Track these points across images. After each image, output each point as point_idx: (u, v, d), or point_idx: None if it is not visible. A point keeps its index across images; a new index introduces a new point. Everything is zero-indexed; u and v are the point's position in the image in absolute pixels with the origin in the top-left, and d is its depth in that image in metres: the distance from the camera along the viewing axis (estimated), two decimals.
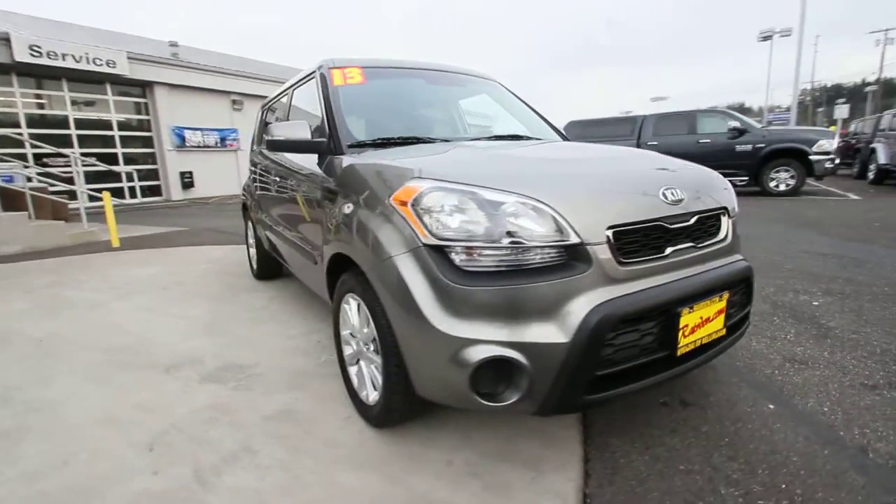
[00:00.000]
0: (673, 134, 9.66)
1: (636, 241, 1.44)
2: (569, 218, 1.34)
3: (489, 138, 2.37)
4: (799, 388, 2.00)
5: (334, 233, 1.86)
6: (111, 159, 13.65)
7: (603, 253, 1.36)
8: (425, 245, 1.39)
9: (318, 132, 2.22)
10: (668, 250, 1.51)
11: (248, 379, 2.23)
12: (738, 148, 8.92)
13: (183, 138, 15.93)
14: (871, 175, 10.30)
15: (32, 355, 2.58)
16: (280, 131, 2.19)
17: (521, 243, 1.32)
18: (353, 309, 1.83)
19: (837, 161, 9.15)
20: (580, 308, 1.31)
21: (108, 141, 14.22)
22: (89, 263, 4.96)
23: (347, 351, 1.97)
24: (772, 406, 1.86)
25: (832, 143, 8.46)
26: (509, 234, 1.33)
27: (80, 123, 13.58)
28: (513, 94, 3.02)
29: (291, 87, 3.00)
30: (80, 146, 13.24)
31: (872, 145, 10.34)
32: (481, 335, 1.30)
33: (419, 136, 2.16)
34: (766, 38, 24.39)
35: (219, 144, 17.27)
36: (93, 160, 9.58)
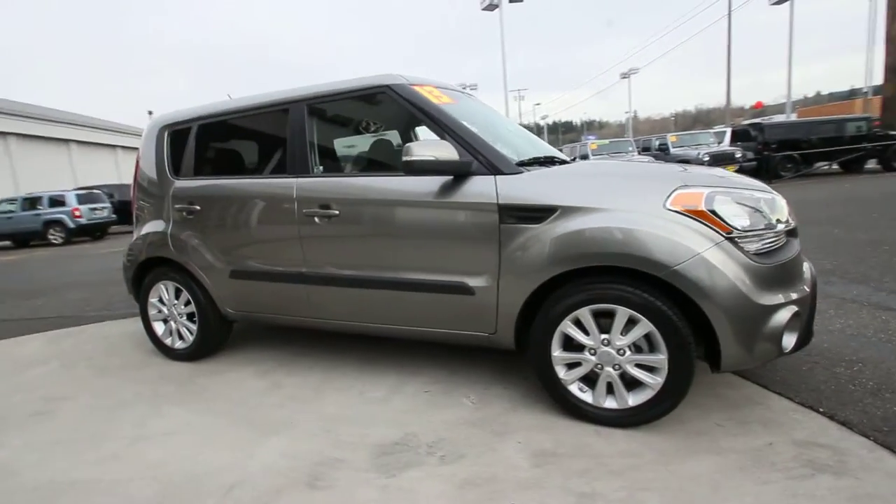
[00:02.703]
0: None
1: None
2: None
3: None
4: None
5: (556, 250, 1.83)
6: None
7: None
8: (727, 238, 1.69)
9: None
10: None
11: (437, 448, 1.85)
12: None
13: None
14: None
15: None
16: (424, 151, 1.94)
17: (786, 227, 1.79)
18: (589, 324, 1.85)
19: None
20: (806, 268, 1.88)
21: None
22: None
23: (562, 372, 1.95)
24: None
25: None
26: (777, 220, 1.77)
27: None
28: None
29: (291, 102, 2.45)
30: None
31: None
32: (784, 299, 1.71)
33: (551, 157, 2.29)
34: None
35: None
36: None
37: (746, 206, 1.76)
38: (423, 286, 2.15)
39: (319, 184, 2.37)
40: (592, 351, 1.88)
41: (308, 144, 2.43)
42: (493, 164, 2.02)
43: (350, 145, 2.49)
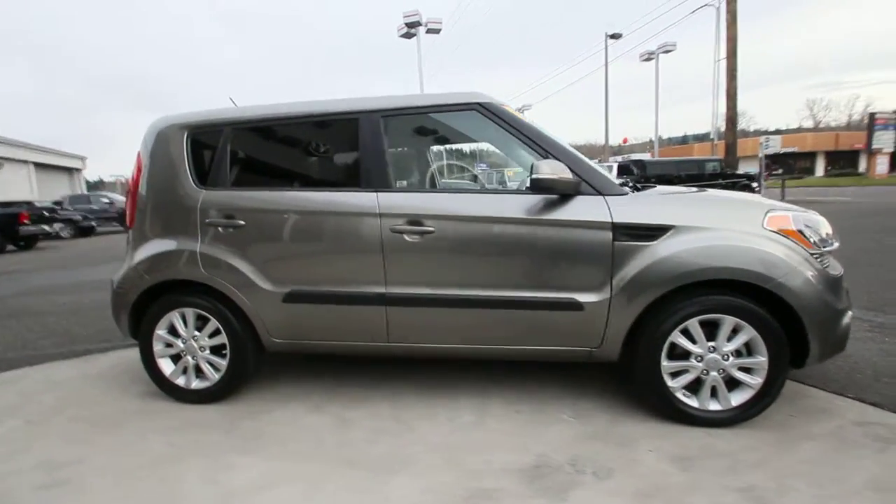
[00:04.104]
0: None
1: None
2: None
3: None
4: None
5: (674, 266, 1.99)
6: None
7: None
8: (810, 254, 2.01)
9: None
10: None
11: (581, 465, 1.86)
12: None
13: None
14: None
15: None
16: (548, 170, 2.00)
17: (836, 245, 2.18)
18: (697, 333, 2.04)
19: None
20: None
21: None
22: None
23: (669, 381, 2.10)
24: None
25: None
26: (828, 236, 2.15)
27: None
28: None
29: (363, 112, 2.31)
30: None
31: None
32: (846, 304, 2.08)
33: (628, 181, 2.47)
34: None
35: None
36: None
37: (811, 226, 2.12)
38: (529, 304, 2.16)
39: (409, 199, 2.25)
40: (699, 358, 2.07)
41: (388, 157, 2.30)
42: (596, 185, 2.13)
43: (430, 159, 2.40)
